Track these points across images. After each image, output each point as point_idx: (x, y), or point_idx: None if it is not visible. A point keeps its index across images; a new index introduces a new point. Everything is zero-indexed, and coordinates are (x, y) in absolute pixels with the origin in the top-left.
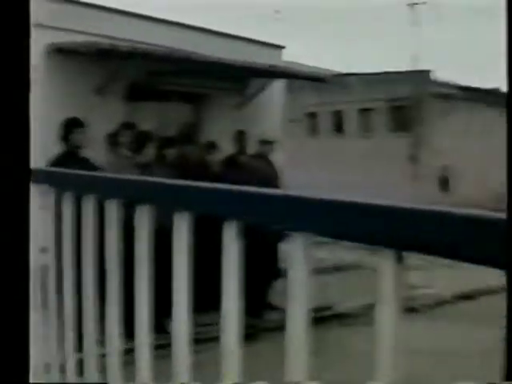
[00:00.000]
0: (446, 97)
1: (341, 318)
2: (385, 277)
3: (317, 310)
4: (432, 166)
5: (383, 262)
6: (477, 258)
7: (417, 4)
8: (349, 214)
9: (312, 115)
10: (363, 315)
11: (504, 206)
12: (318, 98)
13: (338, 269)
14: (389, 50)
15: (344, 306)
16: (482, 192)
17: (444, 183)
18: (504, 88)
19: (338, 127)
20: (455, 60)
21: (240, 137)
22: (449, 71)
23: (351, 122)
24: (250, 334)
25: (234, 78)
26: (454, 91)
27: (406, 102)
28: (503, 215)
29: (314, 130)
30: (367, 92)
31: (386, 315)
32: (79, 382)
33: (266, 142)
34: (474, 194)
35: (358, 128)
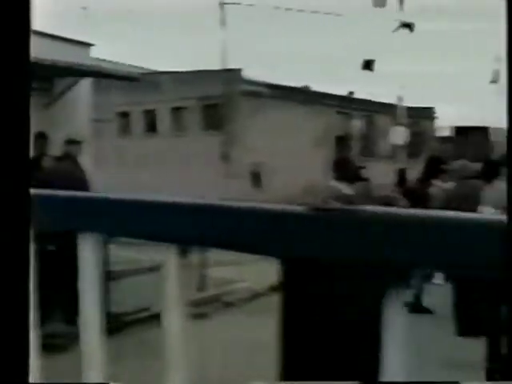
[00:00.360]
0: (256, 95)
1: (159, 318)
2: (169, 272)
3: (135, 311)
4: (244, 163)
5: (168, 258)
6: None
7: (227, 4)
8: (130, 211)
9: (124, 115)
10: None
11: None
12: (129, 97)
13: (152, 269)
14: (201, 48)
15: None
16: (295, 187)
17: (256, 180)
18: (314, 87)
19: (151, 127)
20: (265, 59)
21: (40, 139)
22: (259, 70)
23: (164, 121)
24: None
25: (40, 77)
26: (264, 89)
27: (218, 101)
28: (299, 208)
29: (125, 130)
30: (179, 91)
31: (172, 311)
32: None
33: (73, 142)
34: (286, 189)
35: (171, 127)
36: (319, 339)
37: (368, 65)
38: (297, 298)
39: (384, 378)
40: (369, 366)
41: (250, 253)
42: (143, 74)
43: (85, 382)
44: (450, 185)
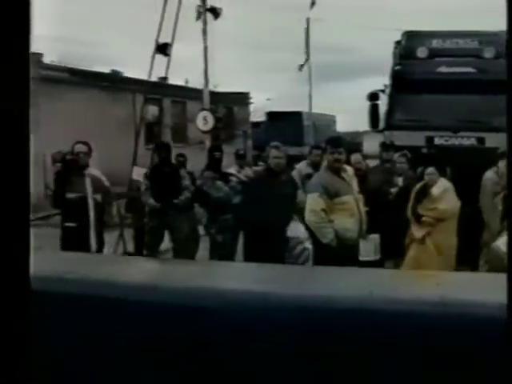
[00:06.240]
0: (56, 81)
1: None
2: None
3: None
4: (44, 152)
5: None
6: None
7: None
8: None
9: None
10: None
11: None
12: None
13: None
14: None
15: None
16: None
17: None
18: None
19: None
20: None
21: None
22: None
23: None
24: None
25: None
26: (66, 75)
27: None
28: None
29: None
30: None
31: None
32: None
33: None
34: None
35: None
36: None
37: (162, 48)
38: None
39: None
40: None
41: None
42: None
43: None
44: (246, 172)
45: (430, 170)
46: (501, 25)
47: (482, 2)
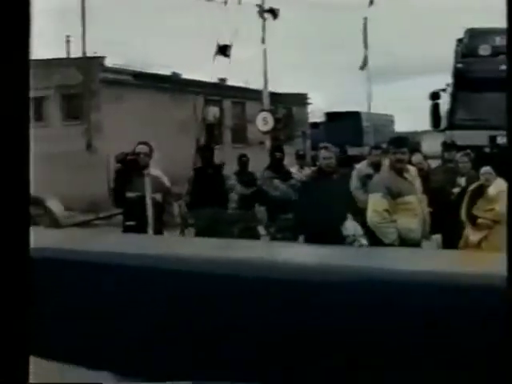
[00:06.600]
0: (118, 83)
1: None
2: None
3: None
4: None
5: None
6: None
7: None
8: None
9: None
10: None
11: None
12: None
13: None
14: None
15: None
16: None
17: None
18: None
19: None
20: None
21: None
22: (121, 58)
23: None
24: None
25: None
26: (128, 77)
27: (78, 90)
28: None
29: None
30: (38, 79)
31: None
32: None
33: None
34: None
35: (31, 117)
36: None
37: (223, 50)
38: None
39: None
40: None
41: None
42: None
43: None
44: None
45: (486, 169)
46: None
47: None
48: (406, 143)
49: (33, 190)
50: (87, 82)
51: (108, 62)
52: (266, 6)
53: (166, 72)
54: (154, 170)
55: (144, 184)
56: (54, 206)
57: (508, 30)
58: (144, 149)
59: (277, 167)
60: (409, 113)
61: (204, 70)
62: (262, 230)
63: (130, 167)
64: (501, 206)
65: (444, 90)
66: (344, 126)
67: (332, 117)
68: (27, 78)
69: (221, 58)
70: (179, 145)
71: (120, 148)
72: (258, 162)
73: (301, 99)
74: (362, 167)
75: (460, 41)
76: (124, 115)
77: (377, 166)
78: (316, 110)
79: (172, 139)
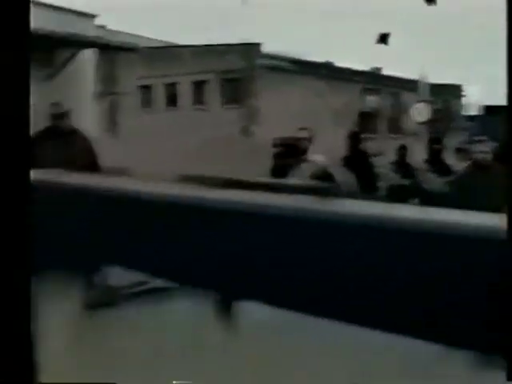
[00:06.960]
0: (277, 69)
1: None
2: None
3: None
4: (265, 138)
5: None
6: None
7: None
8: None
9: (145, 88)
10: None
11: None
12: (149, 70)
13: None
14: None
15: None
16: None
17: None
18: (336, 62)
19: (172, 100)
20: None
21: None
22: (280, 44)
23: (184, 94)
24: None
25: (39, 47)
26: (286, 64)
27: (238, 75)
28: None
29: (147, 103)
30: (200, 64)
31: None
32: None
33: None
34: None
35: (192, 101)
36: None
37: (383, 38)
38: None
39: None
40: None
41: None
42: (164, 47)
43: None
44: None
45: None
46: None
47: None
48: None
49: None
50: (247, 67)
51: (263, 49)
52: None
53: (320, 60)
54: (317, 156)
55: (301, 169)
56: None
57: (508, 30)
58: (304, 134)
59: (435, 159)
60: None
61: (356, 58)
62: None
63: (289, 151)
64: None
65: None
66: (504, 120)
67: (492, 110)
68: (27, 78)
69: (378, 46)
70: (335, 133)
71: (277, 133)
72: (412, 153)
73: (455, 91)
74: None
75: None
76: (281, 101)
77: None
78: (471, 103)
79: (328, 127)
